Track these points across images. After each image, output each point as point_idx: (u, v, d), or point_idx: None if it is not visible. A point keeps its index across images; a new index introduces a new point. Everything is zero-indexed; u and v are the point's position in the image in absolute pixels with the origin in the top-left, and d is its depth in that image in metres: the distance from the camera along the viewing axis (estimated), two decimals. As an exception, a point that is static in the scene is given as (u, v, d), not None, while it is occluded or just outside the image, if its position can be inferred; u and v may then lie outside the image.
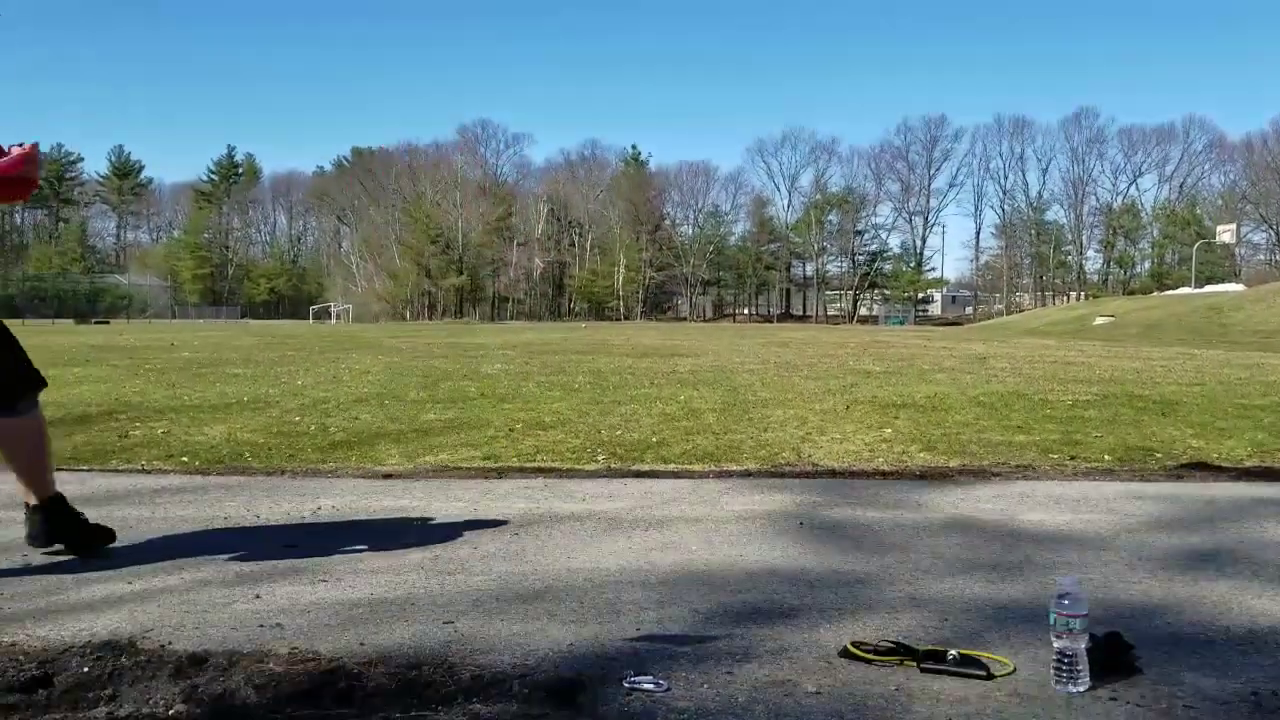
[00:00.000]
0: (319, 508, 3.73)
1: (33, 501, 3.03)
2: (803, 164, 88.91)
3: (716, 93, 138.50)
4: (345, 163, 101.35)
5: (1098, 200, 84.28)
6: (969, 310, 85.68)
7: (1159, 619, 2.40)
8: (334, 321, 72.32)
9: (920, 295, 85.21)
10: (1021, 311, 71.31)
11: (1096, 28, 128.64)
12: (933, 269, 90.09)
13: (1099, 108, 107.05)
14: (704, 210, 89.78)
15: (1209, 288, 48.48)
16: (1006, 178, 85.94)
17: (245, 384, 9.24)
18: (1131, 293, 67.59)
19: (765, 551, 3.08)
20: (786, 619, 2.39)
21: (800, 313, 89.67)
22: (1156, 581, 2.74)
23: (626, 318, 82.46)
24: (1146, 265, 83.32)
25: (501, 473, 4.55)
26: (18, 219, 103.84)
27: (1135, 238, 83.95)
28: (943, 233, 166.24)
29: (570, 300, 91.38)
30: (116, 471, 4.61)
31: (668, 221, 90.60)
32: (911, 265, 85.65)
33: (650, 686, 1.94)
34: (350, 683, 1.95)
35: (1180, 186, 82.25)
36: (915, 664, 2.04)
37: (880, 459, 4.97)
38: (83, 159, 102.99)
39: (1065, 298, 79.74)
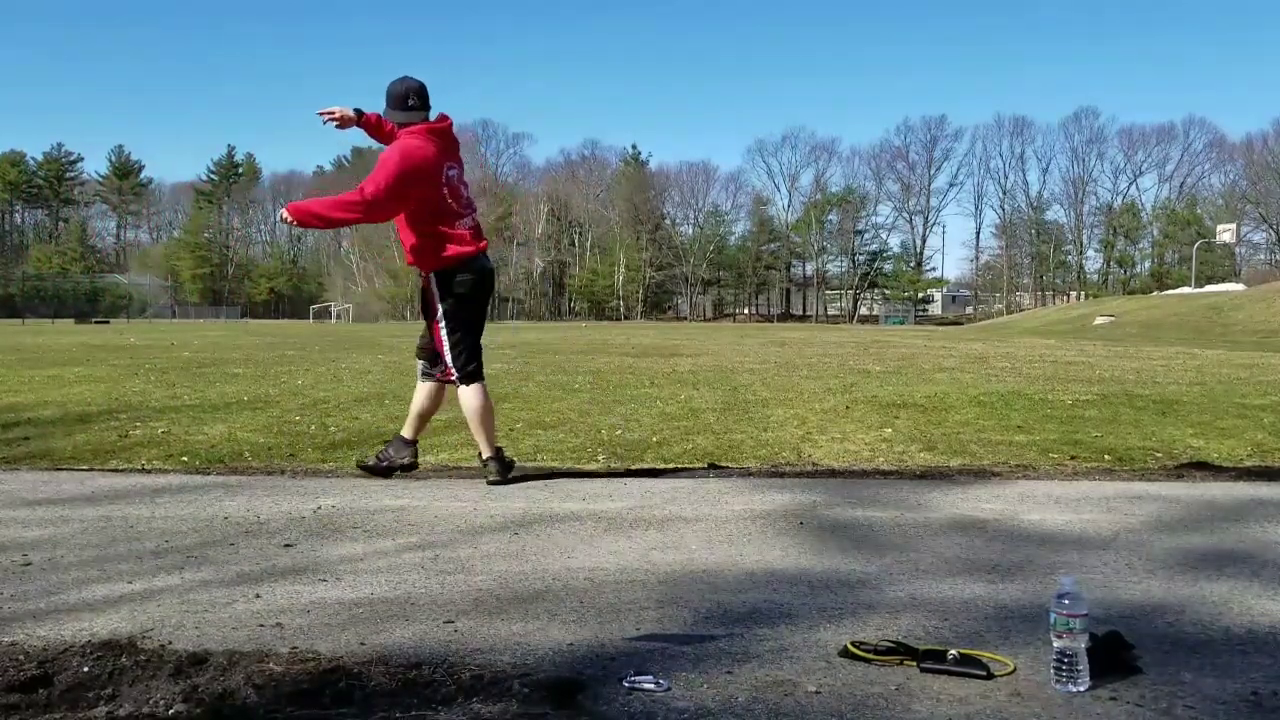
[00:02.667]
0: (319, 508, 3.73)
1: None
2: (803, 164, 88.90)
3: (716, 93, 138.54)
4: (345, 163, 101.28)
5: (1098, 200, 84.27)
6: (969, 310, 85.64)
7: (1159, 619, 2.40)
8: (334, 321, 72.37)
9: (920, 295, 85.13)
10: (1021, 311, 71.32)
11: (1096, 28, 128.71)
12: (933, 269, 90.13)
13: (1099, 108, 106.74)
14: (704, 210, 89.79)
15: (1209, 287, 48.45)
16: (1006, 177, 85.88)
17: (245, 384, 9.25)
18: (1131, 293, 67.54)
19: (765, 551, 3.08)
20: (786, 619, 2.39)
21: (800, 312, 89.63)
22: (1157, 581, 2.74)
23: (627, 317, 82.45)
24: (1146, 265, 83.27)
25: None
26: (18, 219, 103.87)
27: (1135, 237, 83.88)
28: (943, 232, 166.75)
29: (570, 300, 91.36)
30: (116, 471, 4.61)
31: (668, 221, 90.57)
32: (911, 265, 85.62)
33: (650, 686, 1.94)
34: (350, 683, 1.95)
35: (1180, 186, 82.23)
36: (915, 664, 2.04)
37: (880, 459, 4.97)
38: (83, 159, 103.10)
39: (1065, 297, 79.70)
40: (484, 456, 4.31)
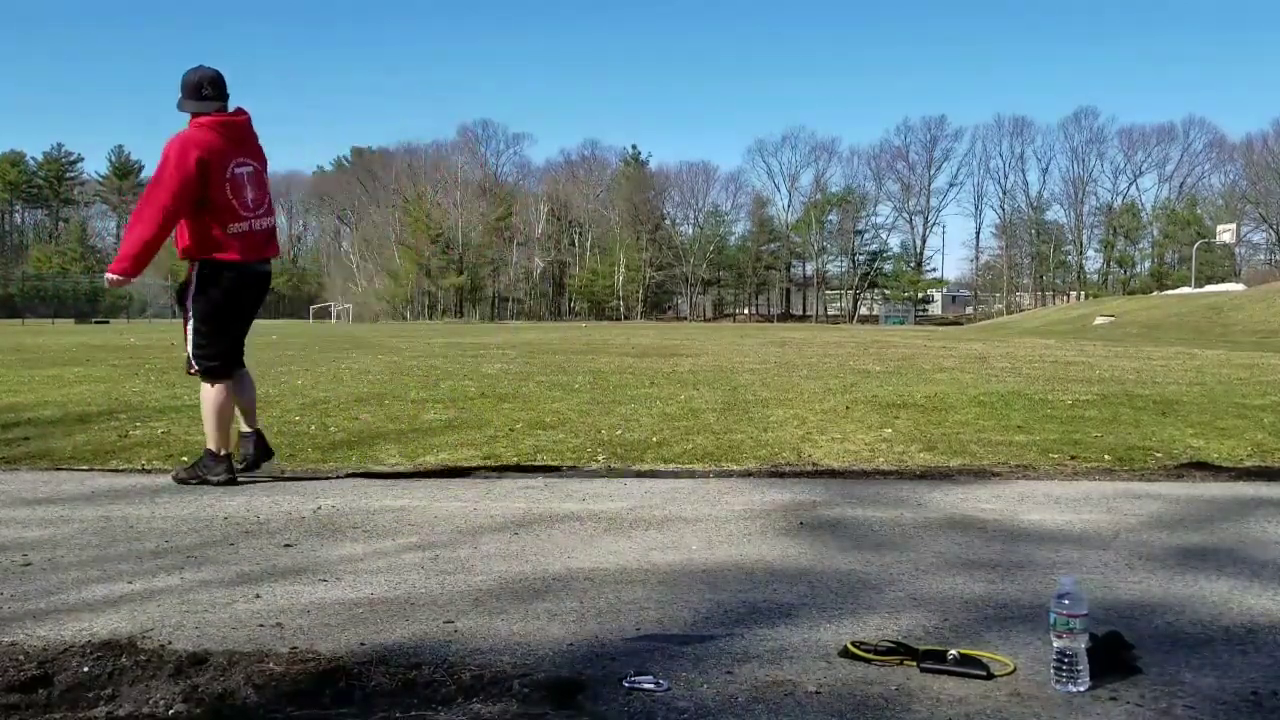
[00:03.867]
0: (319, 508, 3.73)
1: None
2: (803, 164, 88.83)
3: (716, 93, 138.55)
4: (345, 163, 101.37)
5: (1098, 200, 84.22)
6: (969, 310, 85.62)
7: (1159, 618, 2.40)
8: (334, 321, 72.38)
9: (920, 295, 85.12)
10: (1021, 311, 71.31)
11: (1096, 28, 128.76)
12: (933, 269, 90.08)
13: (1099, 108, 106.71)
14: (704, 210, 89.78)
15: (1209, 288, 48.43)
16: (1006, 177, 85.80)
17: (245, 384, 9.23)
18: (1131, 293, 67.53)
19: (765, 551, 3.08)
20: (786, 619, 2.39)
21: (800, 312, 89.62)
22: (1156, 581, 2.74)
23: (626, 317, 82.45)
24: (1146, 265, 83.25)
25: (501, 472, 4.56)
26: (18, 219, 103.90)
27: (1135, 238, 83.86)
28: (943, 233, 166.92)
29: (570, 300, 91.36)
30: (116, 471, 4.61)
31: (668, 221, 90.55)
32: (911, 265, 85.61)
33: (650, 686, 1.94)
34: (350, 683, 1.95)
35: (1180, 186, 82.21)
36: (915, 664, 2.04)
37: (880, 459, 4.97)
38: (83, 159, 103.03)
39: (1065, 298, 79.68)
40: (207, 447, 4.25)
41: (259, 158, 4.32)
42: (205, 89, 4.15)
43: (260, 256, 4.27)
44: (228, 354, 4.26)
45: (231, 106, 4.24)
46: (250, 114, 4.31)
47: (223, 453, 4.21)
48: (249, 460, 4.33)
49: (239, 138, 4.21)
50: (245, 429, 4.36)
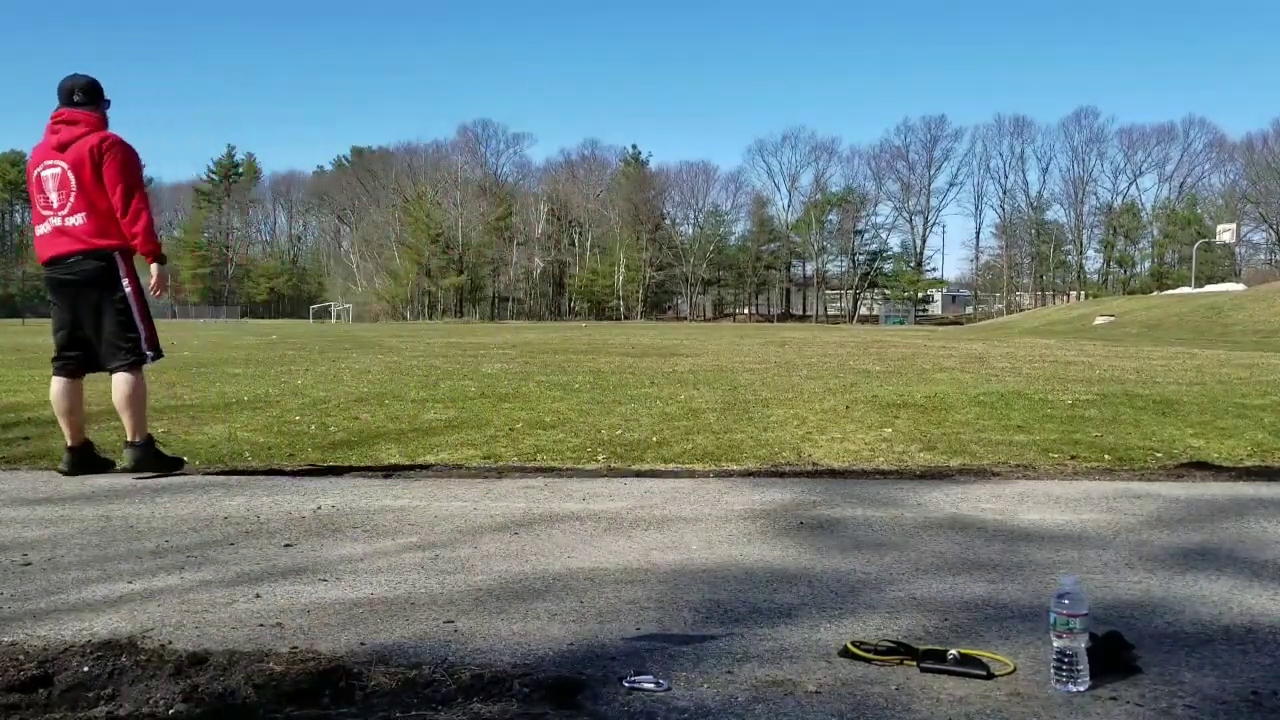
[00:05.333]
0: (319, 508, 3.73)
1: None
2: (803, 164, 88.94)
3: (716, 93, 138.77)
4: (345, 163, 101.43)
5: (1098, 200, 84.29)
6: (969, 310, 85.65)
7: (1159, 618, 2.40)
8: (334, 321, 72.37)
9: (920, 295, 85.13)
10: (1021, 311, 71.32)
11: (1096, 28, 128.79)
12: (933, 269, 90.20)
13: (1099, 108, 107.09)
14: (704, 210, 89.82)
15: (1209, 287, 48.45)
16: (1006, 177, 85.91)
17: (245, 383, 9.24)
18: (1131, 292, 67.53)
19: (765, 551, 3.08)
20: (786, 619, 2.39)
21: (800, 312, 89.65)
22: (1156, 580, 2.74)
23: (627, 317, 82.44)
24: (1146, 265, 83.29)
25: (501, 472, 4.56)
26: (17, 219, 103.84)
27: (1135, 237, 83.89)
28: (943, 232, 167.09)
29: (570, 300, 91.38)
30: (117, 471, 4.61)
31: (668, 221, 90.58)
32: (911, 265, 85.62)
33: (650, 686, 1.94)
34: (350, 682, 1.95)
35: (1180, 186, 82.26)
36: (915, 664, 2.04)
37: (880, 459, 4.97)
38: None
39: (1065, 297, 79.68)
40: (69, 444, 4.44)
41: (74, 157, 4.23)
42: (76, 95, 4.30)
43: (62, 252, 4.34)
44: (60, 352, 4.47)
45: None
46: (71, 115, 4.27)
47: (67, 444, 4.42)
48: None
49: (49, 139, 4.30)
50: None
